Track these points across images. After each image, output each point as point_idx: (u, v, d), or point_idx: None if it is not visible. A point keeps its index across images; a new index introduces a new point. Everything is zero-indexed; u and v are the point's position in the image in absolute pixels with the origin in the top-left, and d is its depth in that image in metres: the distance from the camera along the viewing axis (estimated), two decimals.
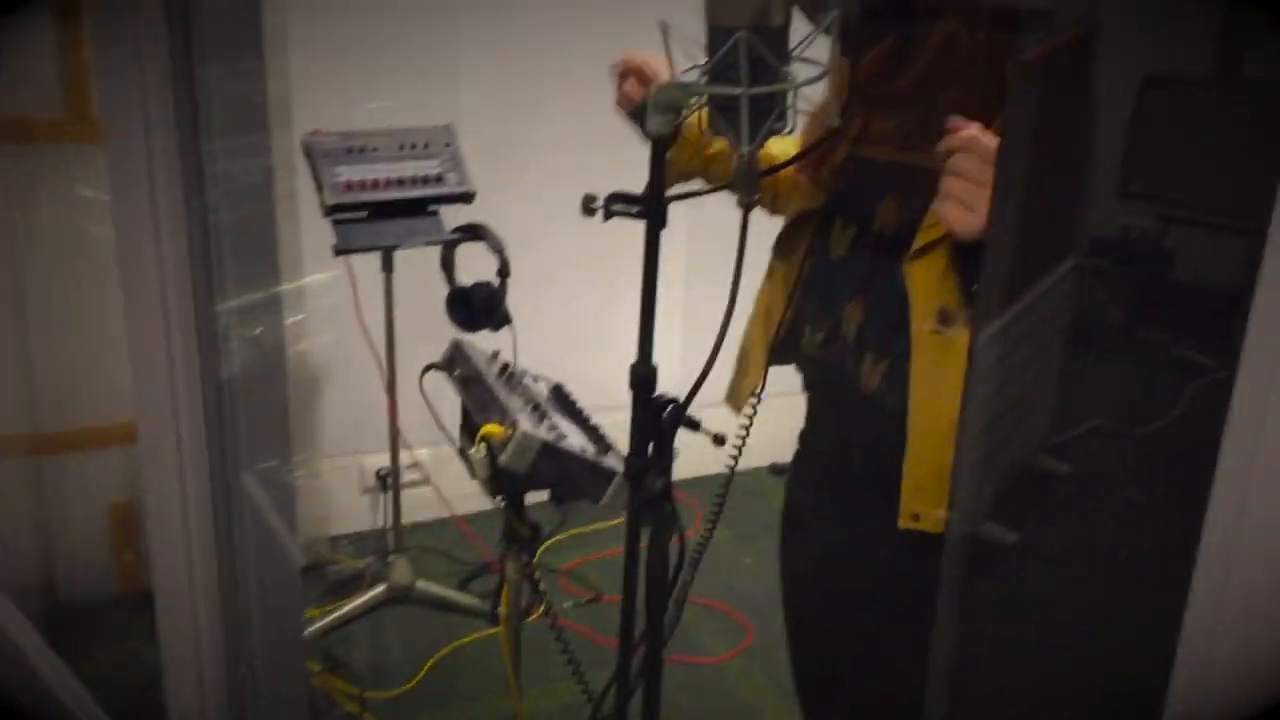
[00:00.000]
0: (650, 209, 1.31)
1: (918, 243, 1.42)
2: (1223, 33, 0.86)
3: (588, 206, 1.34)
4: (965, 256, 1.32)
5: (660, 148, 1.30)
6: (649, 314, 1.36)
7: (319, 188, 2.75)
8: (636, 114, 1.64)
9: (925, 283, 1.43)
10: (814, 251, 1.58)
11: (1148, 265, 0.89)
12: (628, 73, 1.65)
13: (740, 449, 1.65)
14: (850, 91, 1.31)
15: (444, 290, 2.61)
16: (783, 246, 1.66)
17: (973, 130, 1.24)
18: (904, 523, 1.47)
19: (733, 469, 1.65)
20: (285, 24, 2.76)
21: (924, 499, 1.47)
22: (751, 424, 1.66)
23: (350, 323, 3.00)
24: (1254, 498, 0.77)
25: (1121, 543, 0.97)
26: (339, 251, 2.79)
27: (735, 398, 1.71)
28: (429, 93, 3.05)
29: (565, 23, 3.06)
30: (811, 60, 1.24)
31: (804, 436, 1.76)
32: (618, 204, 1.33)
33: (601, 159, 2.87)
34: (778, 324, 1.62)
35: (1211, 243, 0.87)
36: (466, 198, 2.92)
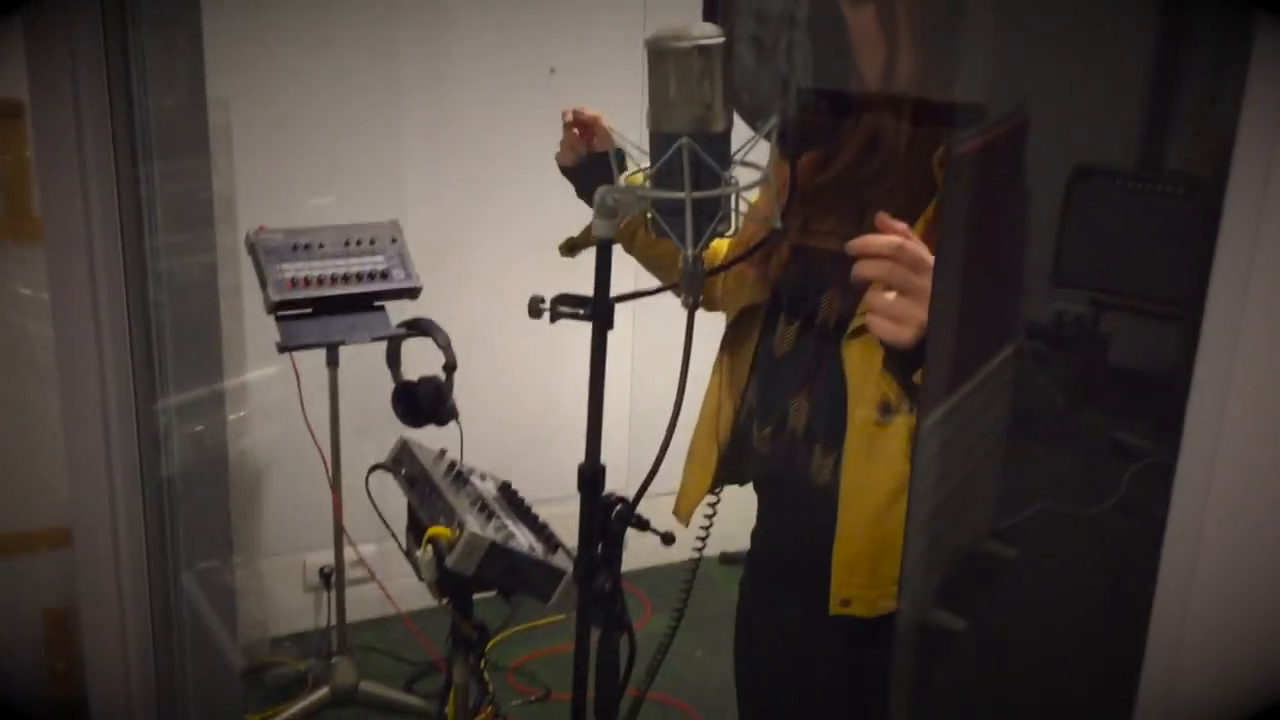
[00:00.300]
0: (596, 311, 1.32)
1: (854, 324, 1.45)
2: (1147, 125, 0.89)
3: (535, 308, 1.35)
4: (898, 359, 1.34)
5: (604, 251, 1.31)
6: (596, 414, 1.36)
7: (263, 285, 2.74)
8: (576, 168, 1.68)
9: (862, 364, 1.45)
10: (761, 348, 1.59)
11: (1085, 350, 0.91)
12: (575, 125, 1.67)
13: (702, 549, 1.65)
14: (789, 191, 1.34)
15: (390, 385, 2.60)
16: (730, 344, 1.67)
17: (897, 237, 1.27)
18: (834, 609, 1.47)
19: (695, 570, 1.65)
20: (230, 123, 2.78)
21: (853, 583, 1.47)
22: (712, 523, 1.66)
23: (294, 418, 2.97)
24: (1200, 578, 0.78)
25: (1071, 626, 0.97)
26: (283, 349, 2.77)
27: (684, 501, 1.69)
28: (374, 188, 3.06)
29: (511, 117, 3.10)
30: (753, 164, 1.27)
31: (756, 535, 1.76)
32: (564, 306, 1.34)
33: (549, 252, 2.90)
34: (729, 422, 1.63)
35: (1145, 327, 0.89)
36: (412, 293, 2.92)
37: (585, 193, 1.66)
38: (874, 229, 1.31)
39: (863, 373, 1.46)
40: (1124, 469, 0.91)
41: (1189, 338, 0.79)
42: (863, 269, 1.28)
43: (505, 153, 3.15)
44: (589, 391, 1.37)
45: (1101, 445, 0.93)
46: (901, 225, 1.28)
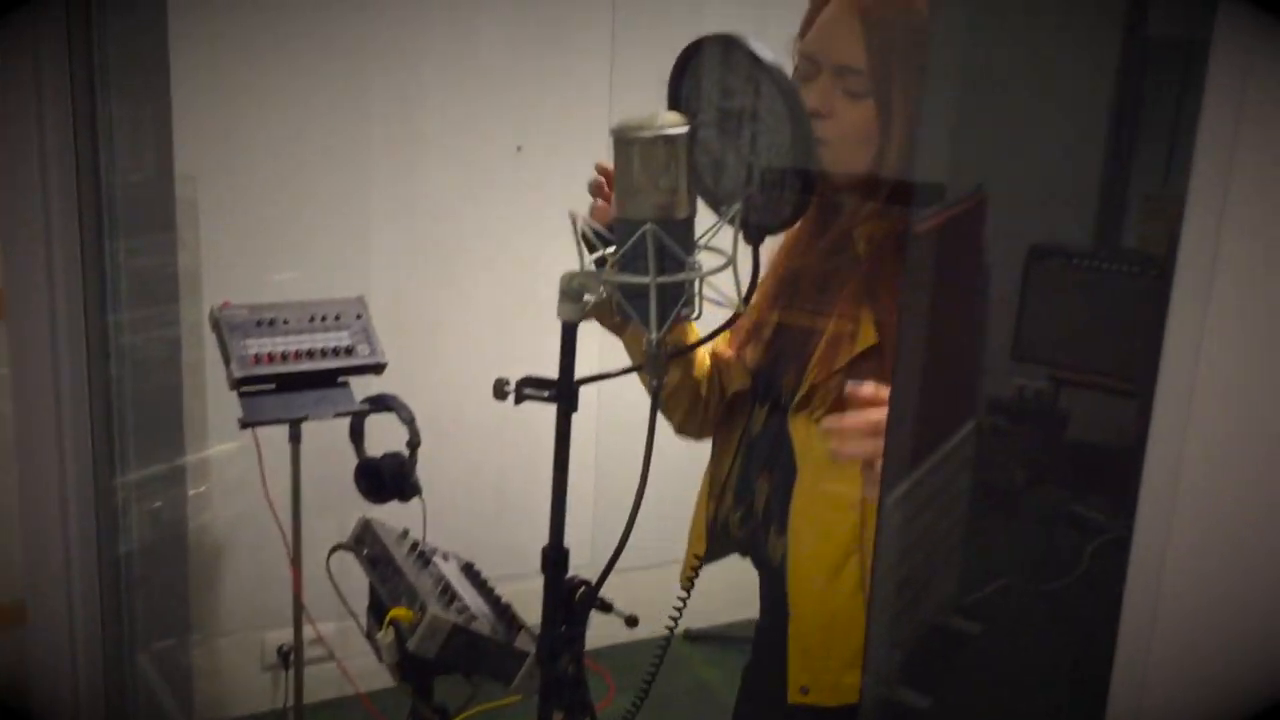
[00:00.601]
0: (561, 394, 1.33)
1: (797, 397, 1.47)
2: (1102, 206, 0.92)
3: (499, 390, 1.35)
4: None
5: (569, 333, 1.32)
6: (560, 496, 1.36)
7: (226, 361, 2.73)
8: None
9: (807, 437, 1.47)
10: (744, 431, 1.61)
11: (1044, 425, 0.93)
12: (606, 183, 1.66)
13: (672, 629, 1.64)
14: (753, 275, 1.35)
15: (353, 460, 2.58)
16: (721, 427, 1.68)
17: (875, 413, 1.25)
18: (793, 697, 1.46)
19: (663, 652, 1.64)
20: (196, 198, 2.79)
21: (810, 668, 1.45)
22: (685, 604, 1.65)
23: (255, 493, 2.94)
24: (1156, 656, 0.78)
25: (1034, 701, 0.97)
26: (245, 424, 2.75)
27: (683, 573, 1.69)
28: (341, 263, 3.07)
29: (479, 194, 3.13)
30: (717, 249, 1.29)
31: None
32: (529, 388, 1.35)
33: (514, 329, 2.90)
34: (715, 503, 1.63)
35: (1102, 403, 0.91)
36: (377, 368, 2.91)
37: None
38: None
39: (807, 445, 1.47)
40: (1084, 544, 0.92)
41: (1145, 413, 0.80)
42: (847, 448, 1.28)
43: (472, 229, 3.17)
44: (553, 474, 1.37)
45: (1062, 520, 0.94)
46: (879, 395, 1.28)
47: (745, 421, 1.61)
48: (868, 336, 1.42)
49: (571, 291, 1.30)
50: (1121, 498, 0.85)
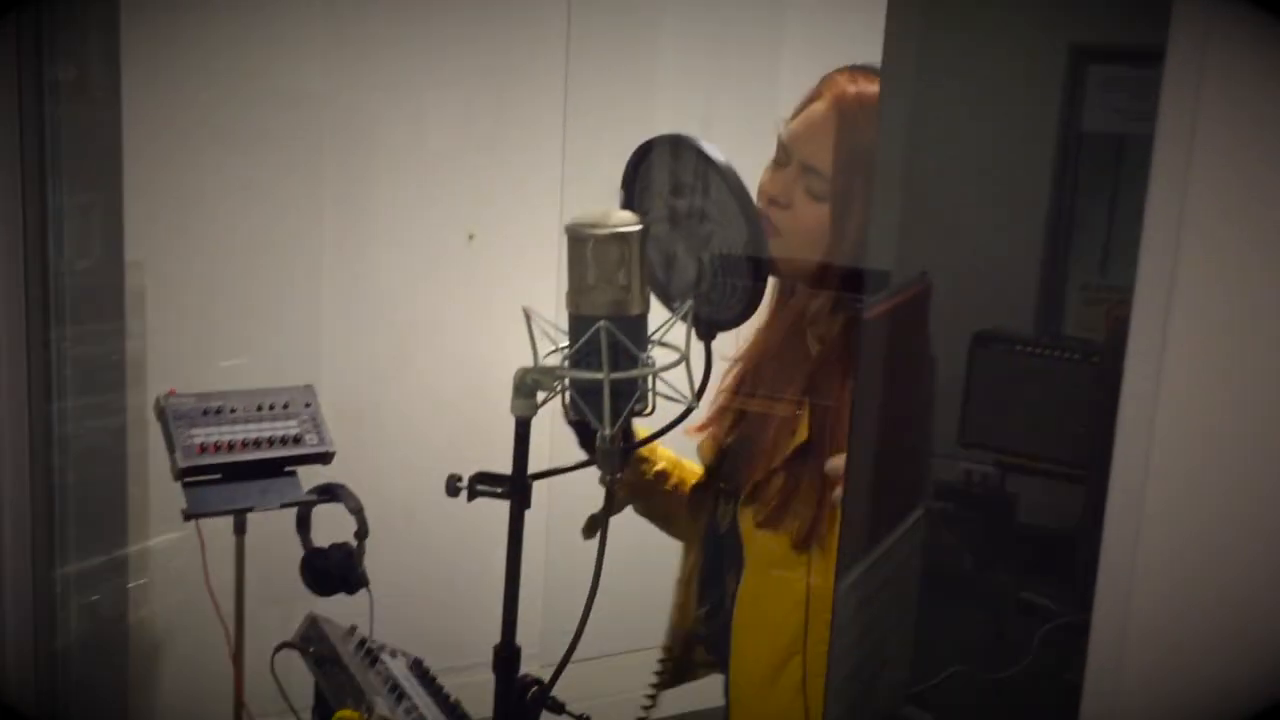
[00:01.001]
0: (514, 490, 1.32)
1: (743, 494, 1.48)
2: (1041, 292, 0.94)
3: (451, 487, 1.35)
4: None
5: (523, 429, 1.32)
6: (513, 594, 1.35)
7: (171, 451, 2.69)
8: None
9: (752, 532, 1.47)
10: (710, 528, 1.61)
11: (991, 510, 0.94)
12: None
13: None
14: (705, 371, 1.37)
15: (299, 551, 2.54)
16: (687, 527, 1.67)
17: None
18: None
19: None
20: (144, 285, 2.78)
21: None
22: (654, 702, 1.64)
23: (197, 585, 2.89)
24: None
25: None
26: (189, 516, 2.70)
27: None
28: (291, 351, 3.05)
29: (430, 282, 3.13)
30: (670, 345, 1.30)
31: None
32: (482, 484, 1.34)
33: (465, 418, 2.90)
34: (684, 600, 1.63)
35: (1047, 487, 0.93)
36: (325, 458, 2.88)
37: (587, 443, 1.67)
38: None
39: (752, 541, 1.47)
40: (1034, 630, 0.93)
41: (1090, 497, 0.82)
42: None
43: (424, 317, 3.17)
44: (506, 571, 1.35)
45: (1011, 606, 0.95)
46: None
47: (710, 517, 1.60)
48: (800, 433, 1.44)
49: (525, 387, 1.30)
50: (1070, 583, 0.86)
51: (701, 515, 1.62)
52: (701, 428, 1.62)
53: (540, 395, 1.30)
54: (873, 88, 1.41)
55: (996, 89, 0.96)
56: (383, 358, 3.22)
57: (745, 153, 1.47)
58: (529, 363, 1.31)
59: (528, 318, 1.30)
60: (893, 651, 1.09)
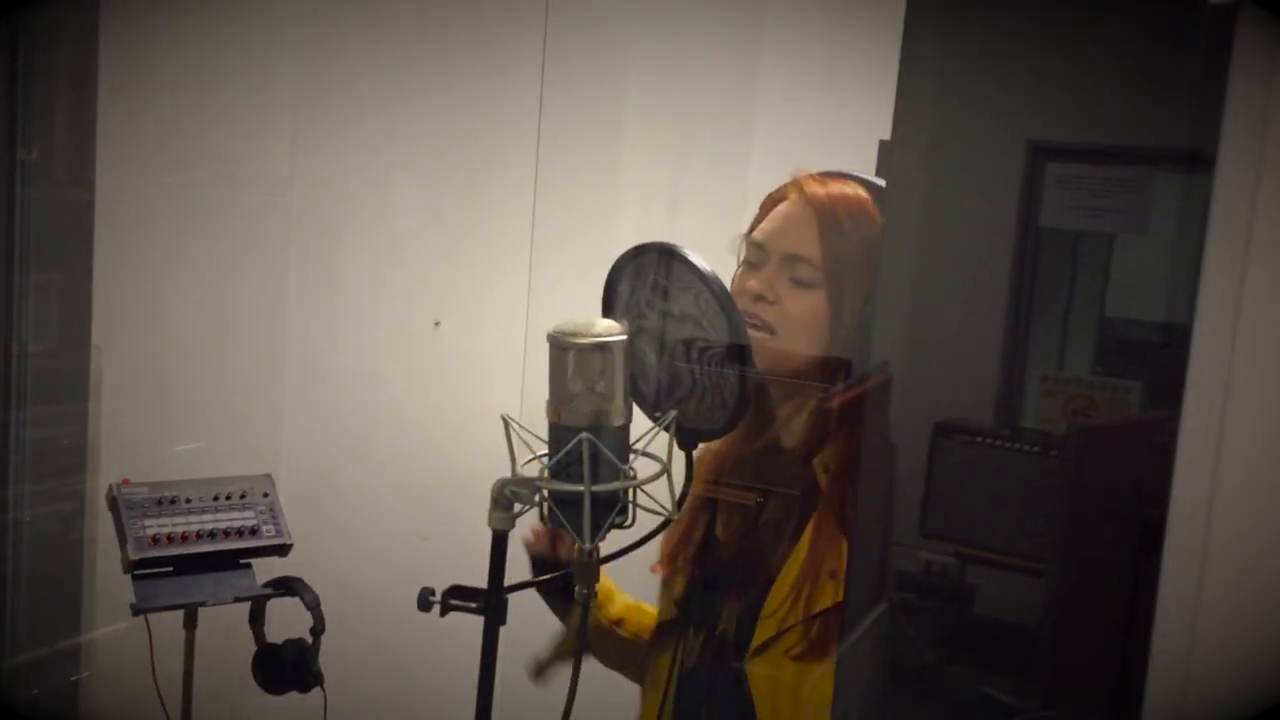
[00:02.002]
0: (490, 606, 1.32)
1: (756, 639, 1.44)
2: (1001, 383, 0.98)
3: (424, 601, 1.35)
4: None
5: (500, 544, 1.31)
6: (485, 713, 1.34)
7: (122, 543, 2.67)
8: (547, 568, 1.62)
9: (769, 684, 1.43)
10: (675, 660, 1.57)
11: (951, 601, 0.96)
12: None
13: None
14: (686, 483, 1.37)
15: (252, 646, 2.52)
16: (650, 663, 1.64)
17: None
18: None
19: None
20: (100, 368, 2.78)
21: None
22: None
23: (144, 679, 2.85)
24: None
25: None
26: (137, 611, 2.67)
27: None
28: (249, 437, 3.05)
29: (395, 369, 3.15)
30: (653, 455, 1.31)
31: None
32: (455, 599, 1.33)
33: (425, 512, 2.89)
34: None
35: (1007, 580, 0.95)
36: (282, 550, 2.86)
37: (559, 607, 1.65)
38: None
39: (770, 691, 1.44)
40: None
41: (1051, 590, 0.84)
42: None
43: (387, 405, 3.18)
44: (478, 693, 1.33)
45: (973, 700, 0.97)
46: None
47: (675, 650, 1.57)
48: (838, 591, 1.37)
49: (503, 500, 1.29)
50: (1031, 678, 0.88)
51: (666, 652, 1.59)
52: (669, 561, 1.60)
53: (517, 507, 1.30)
54: (844, 188, 1.47)
55: (957, 185, 1.00)
56: (345, 444, 3.22)
57: (714, 229, 1.51)
58: (493, 453, 1.30)
59: (506, 426, 1.30)
60: None
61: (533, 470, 1.31)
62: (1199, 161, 0.81)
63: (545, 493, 1.28)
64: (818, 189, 1.47)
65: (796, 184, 1.50)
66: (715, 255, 1.49)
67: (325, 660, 2.48)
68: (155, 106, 2.66)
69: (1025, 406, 0.97)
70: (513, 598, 1.35)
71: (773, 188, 1.54)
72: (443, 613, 1.33)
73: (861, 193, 1.46)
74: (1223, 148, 0.78)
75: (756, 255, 1.49)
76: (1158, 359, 0.88)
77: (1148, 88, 0.93)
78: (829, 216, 1.44)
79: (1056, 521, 0.82)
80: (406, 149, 2.99)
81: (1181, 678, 0.81)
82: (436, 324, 3.21)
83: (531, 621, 1.55)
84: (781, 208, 1.50)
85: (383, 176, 2.99)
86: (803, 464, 1.46)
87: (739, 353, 1.30)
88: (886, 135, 1.10)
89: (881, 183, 1.46)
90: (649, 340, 1.36)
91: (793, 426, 1.48)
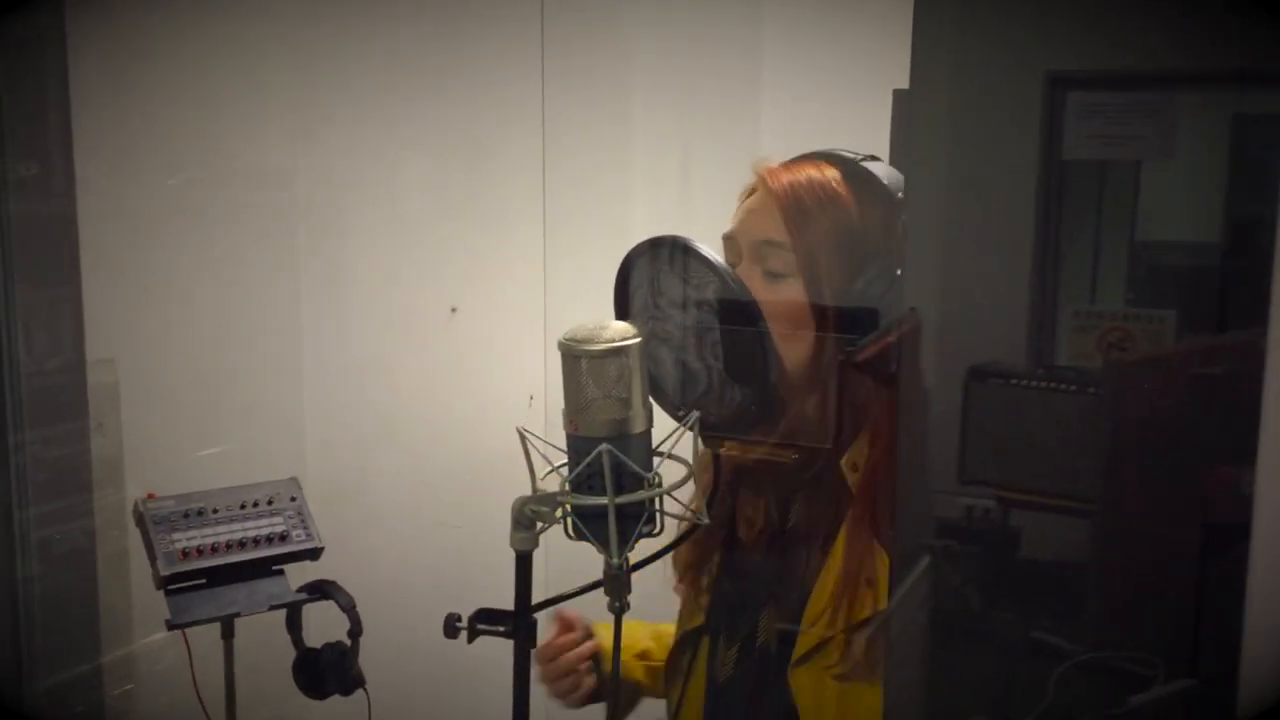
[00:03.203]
0: (518, 627, 1.29)
1: (798, 650, 1.43)
2: (1032, 322, 0.98)
3: (451, 628, 1.33)
4: None
5: (524, 564, 1.29)
6: None
7: (152, 559, 2.70)
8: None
9: (814, 693, 1.42)
10: (707, 674, 1.56)
11: (995, 545, 0.96)
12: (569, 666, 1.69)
13: None
14: (714, 485, 1.36)
15: (292, 652, 2.55)
16: (671, 672, 1.64)
17: None
18: None
19: None
20: (117, 381, 2.81)
21: None
22: None
23: (185, 690, 2.88)
24: None
25: None
26: (173, 626, 2.70)
27: None
28: (273, 439, 3.07)
29: (413, 358, 3.16)
30: (679, 458, 1.28)
31: None
32: (482, 623, 1.31)
33: (458, 500, 2.91)
34: None
35: (1051, 522, 0.95)
36: (313, 554, 2.88)
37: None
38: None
39: (815, 702, 1.42)
40: (1047, 671, 0.95)
41: (1095, 529, 0.85)
42: None
43: (408, 396, 3.19)
44: (513, 713, 1.33)
45: (1022, 647, 0.97)
46: None
47: (697, 657, 1.57)
48: (879, 600, 1.37)
49: (524, 519, 1.26)
50: (1079, 619, 0.89)
51: (684, 658, 1.60)
52: (692, 570, 1.59)
53: (540, 525, 1.27)
54: (810, 170, 1.44)
55: (976, 121, 1.00)
56: (368, 439, 3.24)
57: (729, 196, 1.51)
58: (515, 439, 1.27)
59: (523, 439, 1.27)
60: (906, 706, 1.10)
61: (553, 483, 1.28)
62: (1222, 79, 0.81)
63: (568, 507, 1.25)
64: (780, 177, 1.45)
65: (761, 176, 1.48)
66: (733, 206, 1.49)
67: (367, 660, 2.50)
68: (140, 108, 2.67)
69: (1059, 344, 0.97)
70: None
71: (785, 150, 1.53)
72: (470, 639, 1.31)
73: (828, 172, 1.43)
74: None
75: (731, 252, 1.47)
76: (1193, 283, 0.89)
77: (1162, 7, 0.93)
78: (791, 201, 1.42)
79: (1098, 460, 0.82)
80: (410, 132, 3.00)
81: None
82: (453, 310, 3.22)
83: None
84: (748, 202, 1.49)
85: (388, 162, 3.00)
86: (829, 463, 1.43)
87: (759, 345, 1.28)
88: (900, 86, 1.10)
89: (855, 155, 1.44)
90: (666, 339, 1.34)
91: (810, 421, 1.45)
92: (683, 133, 2.89)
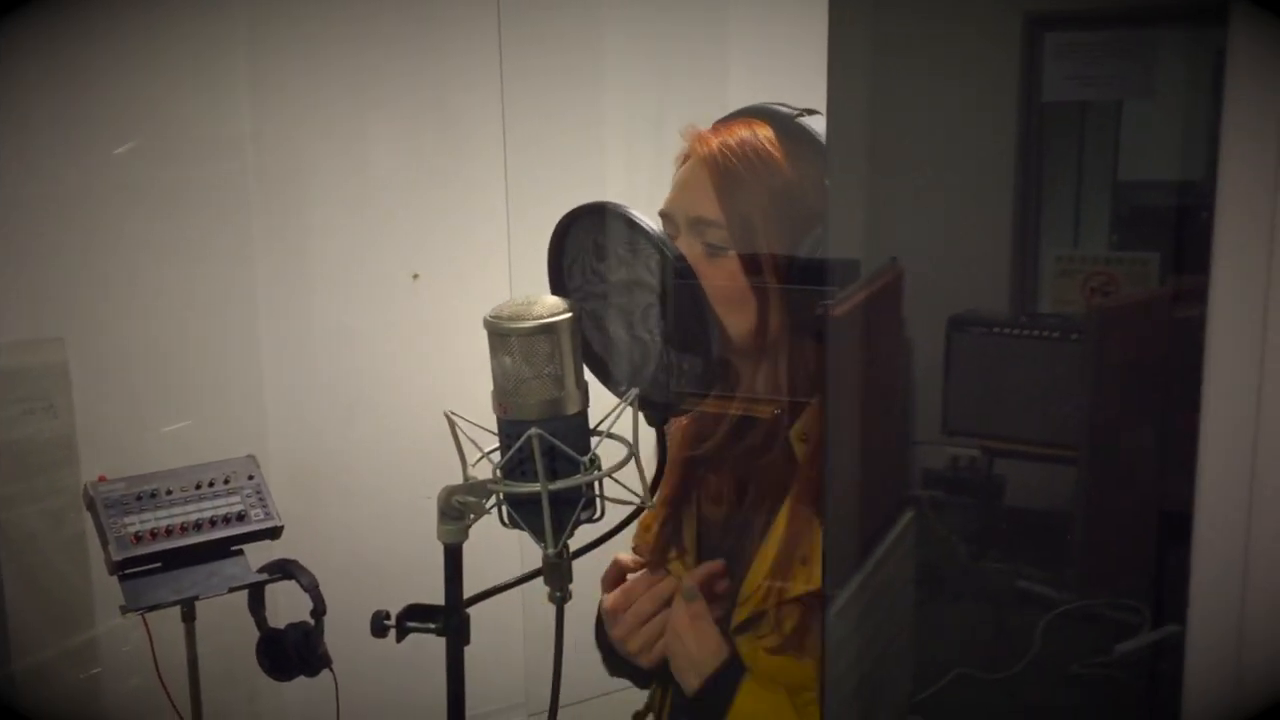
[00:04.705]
0: (449, 624, 1.26)
1: (736, 619, 1.44)
2: (1014, 268, 0.99)
3: (379, 625, 1.29)
4: None
5: (453, 556, 1.26)
6: None
7: (104, 543, 2.68)
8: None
9: (752, 659, 1.42)
10: None
11: (981, 495, 0.97)
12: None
13: None
14: (659, 465, 1.33)
15: (253, 632, 2.54)
16: None
17: None
18: None
19: None
20: (66, 360, 2.78)
21: None
22: None
23: (152, 674, 2.87)
24: None
25: None
26: (128, 611, 2.68)
27: None
28: (231, 415, 3.05)
29: (375, 326, 3.14)
30: (619, 437, 1.25)
31: None
32: (412, 620, 1.28)
33: (422, 472, 2.91)
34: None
35: (1036, 470, 0.96)
36: (273, 533, 2.87)
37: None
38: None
39: (755, 666, 1.42)
40: (1034, 621, 0.97)
41: (1082, 477, 0.86)
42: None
43: (370, 365, 3.18)
44: (448, 717, 1.31)
45: (1009, 597, 0.98)
46: None
47: None
48: (812, 578, 1.38)
49: (451, 510, 1.23)
50: (1066, 567, 0.90)
51: None
52: (658, 553, 1.57)
53: (471, 516, 1.23)
54: (742, 131, 1.40)
55: (952, 65, 1.00)
56: (333, 411, 3.23)
57: None
58: (486, 403, 1.23)
59: (451, 425, 1.23)
60: (893, 662, 1.11)
61: (485, 470, 1.24)
62: (1204, 14, 0.82)
63: (501, 495, 1.21)
64: (710, 142, 1.40)
65: (691, 144, 1.44)
66: None
67: (334, 640, 2.50)
68: (83, 70, 2.63)
69: (1042, 290, 0.98)
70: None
71: (752, 98, 1.49)
72: (399, 638, 1.29)
73: (761, 131, 1.40)
74: None
75: (669, 227, 1.42)
76: (1177, 223, 0.90)
77: None
78: (721, 170, 1.38)
79: (1083, 407, 0.83)
80: (370, 96, 2.98)
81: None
82: (415, 277, 3.21)
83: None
84: (682, 170, 1.45)
85: (345, 127, 2.98)
86: (777, 434, 1.41)
87: (699, 316, 1.25)
88: None
89: (792, 110, 1.39)
90: (602, 311, 1.30)
91: (761, 392, 1.43)
92: (656, 86, 2.88)
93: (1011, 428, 0.97)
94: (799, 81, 1.51)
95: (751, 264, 1.35)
